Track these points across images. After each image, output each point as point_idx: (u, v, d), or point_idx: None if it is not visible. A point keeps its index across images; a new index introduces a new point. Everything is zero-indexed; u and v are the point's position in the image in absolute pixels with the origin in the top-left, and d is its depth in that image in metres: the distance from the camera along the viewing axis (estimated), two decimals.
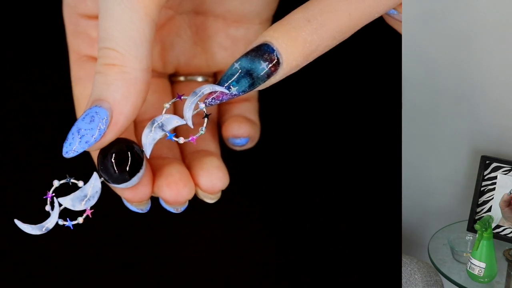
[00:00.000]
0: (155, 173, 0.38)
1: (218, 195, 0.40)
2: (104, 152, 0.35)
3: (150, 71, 0.36)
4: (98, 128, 0.35)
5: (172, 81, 0.46)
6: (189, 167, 0.40)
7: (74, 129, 0.35)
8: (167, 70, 0.45)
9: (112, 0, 0.35)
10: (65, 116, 0.44)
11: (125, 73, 0.35)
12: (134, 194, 0.37)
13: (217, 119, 0.46)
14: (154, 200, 0.39)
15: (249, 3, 0.44)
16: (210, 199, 0.40)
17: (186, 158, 0.42)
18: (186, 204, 0.39)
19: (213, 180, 0.39)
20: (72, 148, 0.35)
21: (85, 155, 0.37)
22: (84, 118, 0.35)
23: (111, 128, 0.35)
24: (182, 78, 0.46)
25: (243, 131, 0.44)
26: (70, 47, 0.42)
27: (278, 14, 0.44)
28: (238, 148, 0.45)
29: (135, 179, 0.36)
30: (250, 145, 0.45)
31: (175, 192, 0.38)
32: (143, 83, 0.35)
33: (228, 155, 0.44)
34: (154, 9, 0.35)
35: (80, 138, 0.35)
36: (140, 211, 0.39)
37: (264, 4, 0.44)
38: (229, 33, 0.45)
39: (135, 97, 0.35)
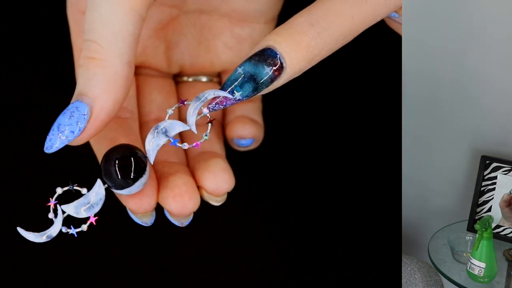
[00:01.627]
0: (160, 182, 0.38)
1: (224, 198, 0.40)
2: (108, 157, 0.35)
3: (133, 65, 0.36)
4: (77, 123, 0.34)
5: (177, 82, 0.46)
6: (194, 169, 0.40)
7: (55, 125, 0.35)
8: (172, 70, 0.45)
9: None
10: None
11: (104, 67, 0.35)
12: (139, 205, 0.37)
13: (221, 120, 0.45)
14: (158, 209, 0.39)
15: (255, 2, 0.44)
16: (216, 201, 0.40)
17: (191, 160, 0.41)
18: (191, 218, 0.39)
19: (218, 182, 0.39)
20: (52, 144, 0.35)
21: (89, 161, 0.37)
22: (65, 113, 0.35)
23: (92, 123, 0.35)
24: (186, 78, 0.46)
25: (247, 132, 0.44)
26: (74, 45, 0.42)
27: (283, 14, 0.44)
28: (242, 149, 0.45)
29: (138, 185, 0.35)
30: (254, 145, 0.45)
31: (180, 205, 0.37)
32: (123, 77, 0.35)
33: (233, 156, 0.44)
34: (140, 4, 0.35)
35: (60, 133, 0.35)
36: (145, 225, 0.38)
37: (270, 3, 0.44)
38: (234, 32, 0.44)
39: (115, 91, 0.35)
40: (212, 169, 0.39)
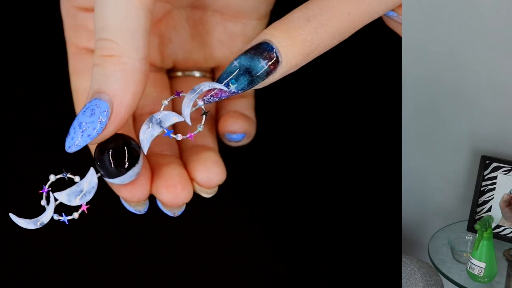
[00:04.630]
0: (154, 172, 0.38)
1: (215, 190, 0.40)
2: (102, 147, 0.36)
3: (148, 60, 0.36)
4: (99, 120, 0.35)
5: (170, 77, 0.46)
6: (186, 162, 0.40)
7: (75, 123, 0.35)
8: (165, 65, 0.45)
9: None
10: (62, 110, 0.44)
11: (122, 63, 0.35)
12: (132, 194, 0.37)
13: (214, 114, 0.46)
14: (151, 198, 0.39)
15: None
16: (207, 193, 0.40)
17: (184, 152, 0.42)
18: (183, 208, 0.39)
19: (210, 174, 0.39)
20: (74, 142, 0.35)
21: (83, 151, 0.37)
22: (84, 111, 0.35)
23: (113, 119, 0.35)
24: (180, 73, 0.46)
25: (239, 127, 0.44)
26: (68, 40, 0.42)
27: (277, 11, 0.44)
28: (234, 144, 0.45)
29: (130, 174, 0.36)
30: (246, 141, 0.45)
31: (173, 195, 0.38)
32: (141, 72, 0.35)
33: (225, 151, 0.44)
34: None
35: (82, 132, 0.35)
36: (138, 213, 0.39)
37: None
38: (227, 28, 0.45)
39: (134, 87, 0.35)
40: (204, 162, 0.39)
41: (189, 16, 0.44)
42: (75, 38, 0.42)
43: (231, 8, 0.44)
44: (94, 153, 0.36)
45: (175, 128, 0.42)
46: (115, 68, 0.35)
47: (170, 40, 0.44)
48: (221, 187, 0.41)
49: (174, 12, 0.44)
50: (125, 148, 0.35)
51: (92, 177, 0.36)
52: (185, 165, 0.40)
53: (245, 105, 0.45)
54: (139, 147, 0.36)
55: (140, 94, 0.36)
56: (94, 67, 0.36)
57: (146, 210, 0.39)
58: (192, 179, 0.39)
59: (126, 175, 0.35)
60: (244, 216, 0.56)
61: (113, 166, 0.35)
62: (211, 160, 0.40)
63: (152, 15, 0.36)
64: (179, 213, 0.39)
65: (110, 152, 0.35)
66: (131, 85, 0.35)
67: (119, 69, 0.35)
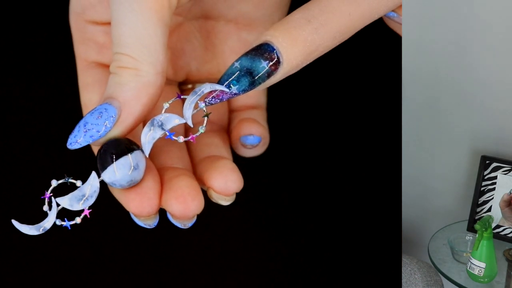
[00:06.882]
0: (163, 186, 0.38)
1: (233, 197, 0.39)
2: (102, 147, 0.36)
3: (165, 75, 0.36)
4: (105, 125, 0.35)
5: (182, 90, 0.46)
6: (202, 172, 0.39)
7: (81, 122, 0.35)
8: (177, 78, 0.45)
9: (124, 7, 0.35)
10: (66, 117, 0.44)
11: (138, 76, 0.35)
12: (141, 208, 0.36)
13: (226, 127, 0.45)
14: (161, 212, 0.39)
15: (262, 7, 0.44)
16: (225, 200, 0.39)
17: (198, 164, 0.41)
18: (194, 220, 0.38)
19: (227, 182, 0.38)
20: (76, 140, 0.35)
21: (85, 155, 0.37)
22: (92, 113, 0.35)
23: (117, 125, 0.35)
24: (190, 86, 0.46)
25: (255, 130, 0.44)
26: (77, 54, 0.42)
27: None
28: (249, 148, 0.44)
29: (122, 168, 0.35)
30: (261, 148, 0.45)
31: (183, 206, 0.36)
32: (155, 86, 0.36)
33: (238, 162, 0.44)
34: (166, 14, 0.35)
35: (86, 131, 0.35)
36: (148, 227, 0.38)
37: (276, 7, 0.44)
38: (241, 37, 0.44)
39: (146, 99, 0.35)
40: (220, 170, 0.39)
41: (202, 27, 0.44)
42: (85, 52, 0.42)
43: (245, 17, 0.44)
44: (97, 156, 0.36)
45: (178, 133, 0.41)
46: (131, 78, 0.35)
47: (183, 51, 0.44)
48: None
49: (186, 24, 0.44)
50: (120, 140, 0.35)
51: (94, 181, 0.35)
52: (200, 176, 0.39)
53: (258, 115, 0.45)
54: (139, 148, 0.36)
55: (151, 107, 0.36)
56: (110, 75, 0.36)
57: (156, 224, 0.38)
58: (209, 188, 0.39)
59: (119, 168, 0.35)
60: (244, 217, 0.56)
61: (105, 153, 0.35)
62: (228, 167, 0.39)
63: (169, 29, 0.36)
64: (190, 225, 0.38)
65: (105, 145, 0.35)
66: (144, 97, 0.35)
67: (135, 80, 0.35)
